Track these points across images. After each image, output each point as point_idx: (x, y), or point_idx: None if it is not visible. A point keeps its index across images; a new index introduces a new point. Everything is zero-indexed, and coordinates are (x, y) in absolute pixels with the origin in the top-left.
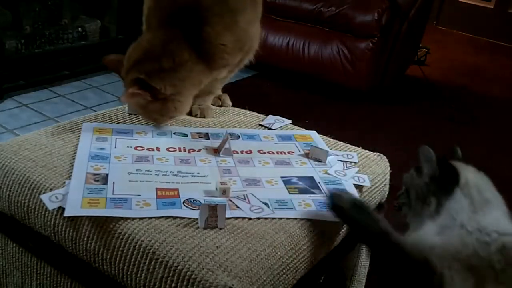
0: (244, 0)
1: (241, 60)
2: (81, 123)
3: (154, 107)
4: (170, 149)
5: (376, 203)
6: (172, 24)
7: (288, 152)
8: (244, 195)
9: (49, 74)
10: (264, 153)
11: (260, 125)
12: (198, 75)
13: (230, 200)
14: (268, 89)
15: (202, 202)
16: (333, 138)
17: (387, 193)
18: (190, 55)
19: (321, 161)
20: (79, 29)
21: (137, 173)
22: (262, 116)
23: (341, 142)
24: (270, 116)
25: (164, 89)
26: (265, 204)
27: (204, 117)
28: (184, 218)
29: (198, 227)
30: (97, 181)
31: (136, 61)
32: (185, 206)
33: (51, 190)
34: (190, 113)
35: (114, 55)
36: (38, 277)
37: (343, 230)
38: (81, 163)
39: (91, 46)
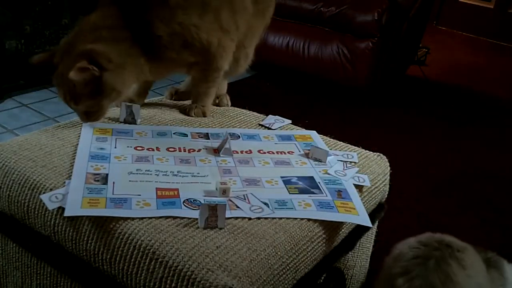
0: (192, 3)
1: (208, 63)
2: (81, 123)
3: (94, 89)
4: (170, 149)
5: (376, 203)
6: (114, 4)
7: (288, 152)
8: (244, 195)
9: (49, 74)
10: (264, 153)
11: (260, 125)
12: (138, 58)
13: (230, 200)
14: (268, 89)
15: (202, 202)
16: (333, 138)
17: (387, 193)
18: (127, 34)
19: (321, 161)
20: None
21: (137, 173)
22: (262, 116)
23: (341, 142)
24: (270, 116)
25: (108, 59)
26: (265, 204)
27: (203, 116)
28: (184, 218)
29: (198, 227)
30: (97, 181)
31: (80, 36)
32: (185, 206)
33: (51, 190)
34: (189, 114)
35: (40, 54)
36: (38, 277)
37: (343, 230)
38: (81, 163)
39: None
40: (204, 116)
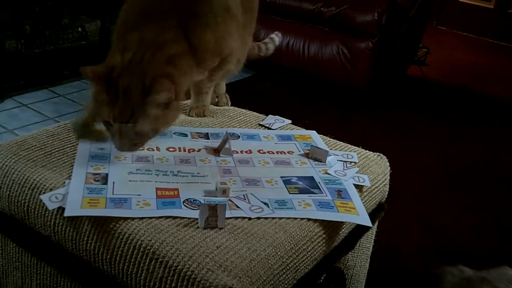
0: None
1: (220, 66)
2: None
3: (160, 112)
4: (170, 149)
5: (376, 203)
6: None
7: (288, 152)
8: (244, 195)
9: (49, 74)
10: (264, 153)
11: (260, 125)
12: (192, 72)
13: (230, 200)
14: (268, 89)
15: (202, 202)
16: (333, 138)
17: (387, 193)
18: (186, 46)
19: (321, 161)
20: (79, 29)
21: (137, 173)
22: (262, 116)
23: (341, 142)
24: (270, 116)
25: (181, 89)
26: (265, 204)
27: (203, 116)
28: (184, 218)
29: (198, 227)
30: (97, 181)
31: (148, 53)
32: (185, 206)
33: (51, 190)
34: (190, 114)
35: (95, 66)
36: (38, 277)
37: (343, 230)
38: (81, 163)
39: (91, 46)
40: (204, 115)
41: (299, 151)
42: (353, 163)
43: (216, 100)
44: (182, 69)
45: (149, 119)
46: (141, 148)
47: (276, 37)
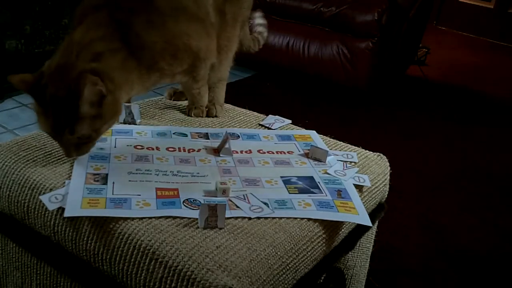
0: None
1: (195, 66)
2: None
3: (95, 113)
4: (170, 149)
5: (376, 203)
6: (102, 10)
7: (288, 152)
8: (244, 195)
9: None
10: (264, 153)
11: (260, 125)
12: (132, 73)
13: (230, 200)
14: (268, 89)
15: (202, 202)
16: (333, 138)
17: (387, 193)
18: (121, 44)
19: (320, 161)
20: None
21: (136, 173)
22: (262, 116)
23: (341, 142)
24: (270, 116)
25: (111, 80)
26: (265, 203)
27: (203, 116)
28: (184, 218)
29: (198, 227)
30: (97, 181)
31: (73, 52)
32: (185, 206)
33: (51, 190)
34: (189, 114)
35: (21, 74)
36: (38, 277)
37: (343, 230)
38: (81, 163)
39: None
40: (203, 116)
41: (299, 151)
42: (353, 163)
43: (206, 109)
44: (112, 64)
45: (85, 122)
46: (140, 148)
47: (260, 19)
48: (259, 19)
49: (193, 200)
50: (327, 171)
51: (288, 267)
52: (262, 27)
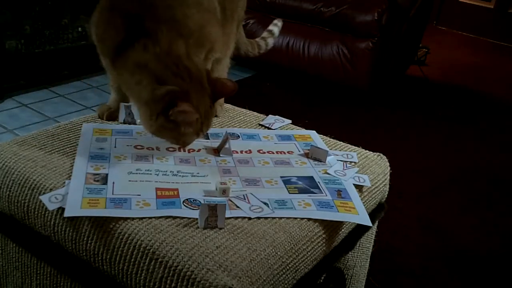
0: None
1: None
2: (81, 124)
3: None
4: (169, 149)
5: (376, 203)
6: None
7: (288, 152)
8: (244, 195)
9: (49, 74)
10: (264, 153)
11: (260, 125)
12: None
13: (230, 200)
14: (268, 89)
15: (202, 202)
16: (333, 138)
17: (387, 193)
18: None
19: (320, 161)
20: (79, 29)
21: (136, 173)
22: (262, 116)
23: (341, 142)
24: (270, 116)
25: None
26: (265, 203)
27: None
28: (184, 218)
29: (198, 227)
30: (97, 181)
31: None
32: (185, 206)
33: (51, 190)
34: None
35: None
36: (38, 277)
37: (343, 230)
38: (81, 163)
39: (91, 46)
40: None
41: (299, 151)
42: (353, 163)
43: None
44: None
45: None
46: (140, 148)
47: (275, 28)
48: (273, 26)
49: (193, 200)
50: (327, 171)
51: (288, 267)
52: (270, 36)
